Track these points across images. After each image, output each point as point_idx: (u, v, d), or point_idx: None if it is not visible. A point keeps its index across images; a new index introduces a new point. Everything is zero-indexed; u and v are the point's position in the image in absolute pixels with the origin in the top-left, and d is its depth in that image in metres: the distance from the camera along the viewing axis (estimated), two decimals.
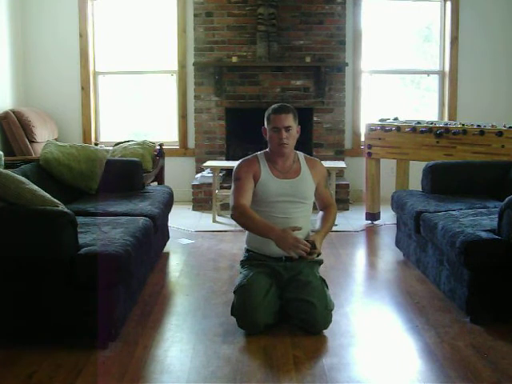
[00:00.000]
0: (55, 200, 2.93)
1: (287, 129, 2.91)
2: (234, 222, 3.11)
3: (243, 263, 3.04)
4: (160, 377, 2.44)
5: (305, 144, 5.56)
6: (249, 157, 3.08)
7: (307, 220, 3.02)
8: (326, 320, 2.84)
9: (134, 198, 4.06)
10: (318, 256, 2.93)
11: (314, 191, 3.06)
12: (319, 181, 3.07)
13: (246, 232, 3.04)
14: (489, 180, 4.09)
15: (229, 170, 5.61)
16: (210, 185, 5.62)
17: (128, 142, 5.47)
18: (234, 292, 2.91)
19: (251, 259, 2.99)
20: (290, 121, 2.93)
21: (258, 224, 2.84)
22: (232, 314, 2.88)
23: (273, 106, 3.00)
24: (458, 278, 3.06)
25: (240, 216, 2.88)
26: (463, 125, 4.76)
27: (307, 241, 2.82)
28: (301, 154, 3.10)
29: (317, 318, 2.79)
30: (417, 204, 3.77)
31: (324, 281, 2.96)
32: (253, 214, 2.86)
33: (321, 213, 3.11)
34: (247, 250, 3.05)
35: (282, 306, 2.89)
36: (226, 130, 6.12)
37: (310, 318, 2.79)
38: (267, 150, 3.05)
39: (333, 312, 2.88)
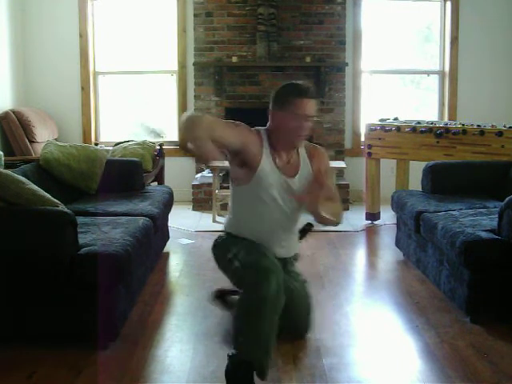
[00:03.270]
0: (55, 200, 2.93)
1: (310, 118, 2.46)
2: None
3: (227, 245, 2.59)
4: (160, 377, 2.44)
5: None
6: (253, 129, 2.53)
7: (299, 218, 2.69)
8: (309, 325, 2.76)
9: (134, 197, 4.06)
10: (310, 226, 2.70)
11: None
12: (318, 168, 2.57)
13: (230, 216, 2.68)
14: (489, 180, 4.09)
15: (229, 171, 5.61)
16: (210, 185, 5.62)
17: (128, 142, 5.47)
18: (241, 266, 2.46)
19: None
20: (315, 109, 2.47)
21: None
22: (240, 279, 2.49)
23: (295, 85, 2.47)
24: (458, 278, 3.06)
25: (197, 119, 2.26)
26: (463, 125, 4.75)
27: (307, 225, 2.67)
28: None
29: (298, 325, 2.71)
30: (417, 204, 3.77)
31: (305, 281, 2.78)
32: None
33: None
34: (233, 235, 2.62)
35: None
36: None
37: (292, 324, 2.63)
38: (266, 129, 2.55)
39: (333, 312, 2.87)
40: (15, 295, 2.63)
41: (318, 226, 2.65)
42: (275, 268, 2.33)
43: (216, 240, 2.70)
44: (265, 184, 2.48)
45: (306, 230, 2.70)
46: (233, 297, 2.95)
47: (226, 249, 2.59)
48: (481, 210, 3.53)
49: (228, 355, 2.26)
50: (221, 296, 2.99)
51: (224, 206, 5.32)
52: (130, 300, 3.04)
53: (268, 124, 2.57)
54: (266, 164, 2.48)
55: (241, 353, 2.23)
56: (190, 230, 4.99)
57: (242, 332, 2.27)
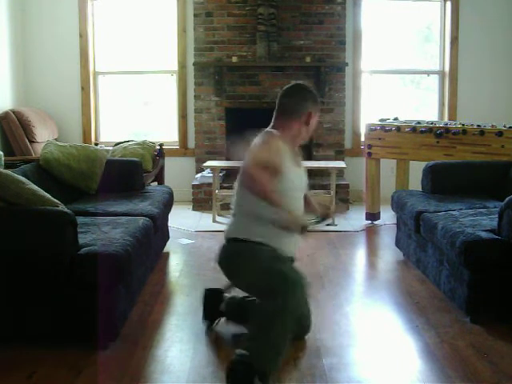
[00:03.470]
0: (55, 200, 2.93)
1: None
2: None
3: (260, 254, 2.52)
4: (160, 377, 2.44)
5: (305, 144, 5.55)
6: (269, 134, 2.59)
7: None
8: (310, 326, 2.76)
9: (134, 198, 4.06)
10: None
11: None
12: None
13: (242, 220, 2.62)
14: (489, 180, 4.09)
15: (229, 170, 5.61)
16: (210, 185, 5.62)
17: (128, 142, 5.47)
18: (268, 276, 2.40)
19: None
20: None
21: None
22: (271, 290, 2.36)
23: (312, 90, 2.70)
24: (458, 278, 3.06)
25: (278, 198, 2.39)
26: (463, 125, 4.75)
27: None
28: None
29: (302, 325, 2.69)
30: (417, 204, 3.77)
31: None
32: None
33: None
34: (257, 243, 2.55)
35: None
36: (226, 130, 6.11)
37: (297, 324, 2.50)
38: (279, 129, 2.63)
39: (333, 312, 2.87)
40: (15, 295, 2.63)
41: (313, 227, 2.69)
42: (301, 279, 2.38)
43: (224, 251, 2.64)
44: (289, 181, 2.55)
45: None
46: (224, 296, 2.95)
47: (242, 260, 2.56)
48: (481, 210, 3.53)
49: (236, 354, 2.26)
50: (212, 296, 2.98)
51: (224, 206, 5.32)
52: (130, 300, 3.04)
53: (281, 123, 2.63)
54: (288, 162, 2.57)
55: (250, 355, 2.23)
56: (190, 230, 4.99)
57: (258, 336, 2.29)
